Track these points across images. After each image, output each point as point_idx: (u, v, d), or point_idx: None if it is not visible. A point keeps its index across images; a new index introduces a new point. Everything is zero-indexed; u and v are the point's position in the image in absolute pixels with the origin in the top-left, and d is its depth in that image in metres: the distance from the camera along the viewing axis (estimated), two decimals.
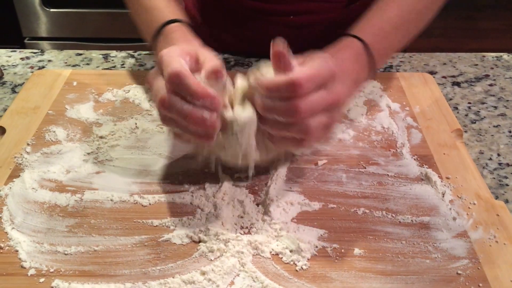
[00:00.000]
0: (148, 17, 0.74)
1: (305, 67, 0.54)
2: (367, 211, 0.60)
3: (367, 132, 0.72)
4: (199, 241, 0.56)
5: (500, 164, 0.70)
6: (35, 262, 0.53)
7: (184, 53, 0.57)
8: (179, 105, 0.53)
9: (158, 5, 0.73)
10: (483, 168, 0.69)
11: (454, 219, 0.58)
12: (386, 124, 0.73)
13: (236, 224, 0.57)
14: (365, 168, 0.65)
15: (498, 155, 0.71)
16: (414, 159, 0.67)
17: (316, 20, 0.86)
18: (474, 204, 0.60)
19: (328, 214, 0.59)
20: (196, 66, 0.57)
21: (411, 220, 0.58)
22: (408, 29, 0.72)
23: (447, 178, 0.64)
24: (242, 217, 0.58)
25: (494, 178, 0.67)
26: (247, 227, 0.57)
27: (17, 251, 0.54)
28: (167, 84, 0.54)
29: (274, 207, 0.59)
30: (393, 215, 0.59)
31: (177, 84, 0.53)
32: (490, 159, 0.71)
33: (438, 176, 0.64)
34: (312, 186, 0.63)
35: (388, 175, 0.65)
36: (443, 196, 0.61)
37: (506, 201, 0.63)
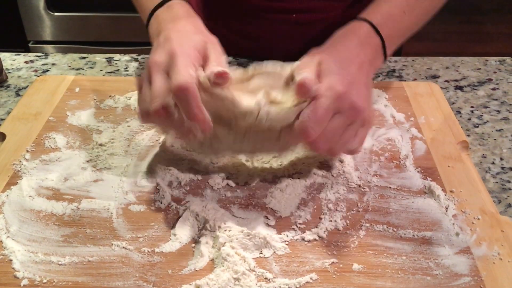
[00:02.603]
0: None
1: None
2: (367, 224, 0.58)
3: (370, 142, 0.70)
4: (197, 253, 0.55)
5: (503, 168, 0.69)
6: (29, 272, 0.52)
7: (195, 49, 0.57)
8: (175, 116, 0.54)
9: None
10: (486, 172, 0.68)
11: (457, 234, 0.57)
12: (390, 135, 0.71)
13: (241, 241, 0.55)
14: (367, 180, 0.64)
15: (501, 159, 0.71)
16: (418, 171, 0.65)
17: (319, 18, 0.85)
18: (478, 219, 0.59)
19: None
20: (204, 62, 0.58)
21: (413, 235, 0.57)
22: (417, 14, 0.72)
23: (451, 191, 0.62)
24: (249, 235, 0.56)
25: (497, 182, 0.67)
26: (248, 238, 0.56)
27: (11, 260, 0.54)
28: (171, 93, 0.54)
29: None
30: (394, 229, 0.58)
31: (180, 98, 0.54)
32: (493, 163, 0.70)
33: (442, 190, 0.62)
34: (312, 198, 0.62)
35: (390, 187, 0.63)
36: (446, 211, 0.60)
37: (509, 205, 0.62)
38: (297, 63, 0.60)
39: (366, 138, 0.61)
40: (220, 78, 0.55)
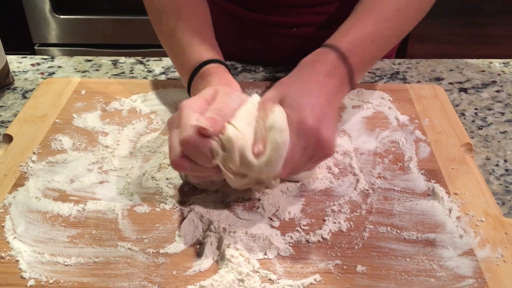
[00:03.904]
0: (183, 55, 0.71)
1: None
2: (371, 226, 0.58)
3: (374, 145, 0.70)
4: (201, 254, 0.55)
5: (506, 170, 0.69)
6: (35, 273, 0.53)
7: (203, 99, 0.58)
8: (188, 166, 0.56)
9: (193, 43, 0.71)
10: (490, 174, 0.68)
11: (461, 236, 0.57)
12: (394, 137, 0.72)
13: (245, 243, 0.56)
14: (371, 182, 0.64)
15: (505, 161, 0.71)
16: (422, 173, 0.66)
17: (319, 32, 0.85)
18: (482, 221, 0.59)
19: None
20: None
21: (417, 237, 0.57)
22: (385, 43, 0.72)
23: (455, 194, 0.62)
24: (253, 236, 0.56)
25: (500, 184, 0.67)
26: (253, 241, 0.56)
27: (17, 261, 0.54)
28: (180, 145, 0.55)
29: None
30: (398, 231, 0.58)
31: (188, 150, 0.55)
32: (497, 165, 0.70)
33: (446, 192, 0.62)
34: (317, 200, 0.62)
35: (394, 189, 0.63)
36: (450, 213, 0.60)
37: None
38: (256, 98, 0.60)
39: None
40: (201, 130, 0.54)
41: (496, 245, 0.56)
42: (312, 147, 0.57)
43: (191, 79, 0.68)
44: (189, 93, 0.70)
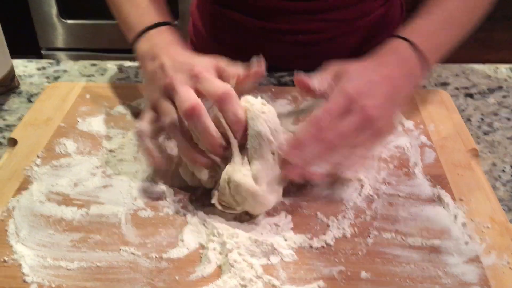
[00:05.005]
0: (131, 14, 0.74)
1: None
2: (375, 232, 0.58)
3: (379, 150, 0.70)
4: (204, 259, 0.55)
5: None
6: (38, 277, 0.53)
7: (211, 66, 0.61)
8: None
9: (141, 3, 0.73)
10: (496, 180, 0.68)
11: (466, 243, 0.56)
12: (399, 142, 0.71)
13: (248, 248, 0.56)
14: (376, 188, 0.64)
15: (511, 167, 0.70)
16: (427, 179, 0.65)
17: (325, 38, 0.85)
18: (488, 227, 0.58)
19: None
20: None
21: (421, 243, 0.57)
22: (456, 28, 0.72)
23: (461, 199, 0.62)
24: (256, 241, 0.56)
25: (507, 190, 0.66)
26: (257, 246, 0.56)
27: (20, 265, 0.54)
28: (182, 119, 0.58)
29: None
30: (403, 237, 0.57)
31: (193, 121, 0.57)
32: (503, 171, 0.70)
33: (451, 198, 0.62)
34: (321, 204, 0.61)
35: (399, 195, 0.63)
36: (455, 219, 0.59)
37: None
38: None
39: (374, 148, 0.61)
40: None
41: (502, 252, 0.55)
42: (356, 115, 0.57)
43: (143, 32, 0.70)
44: (134, 43, 0.72)
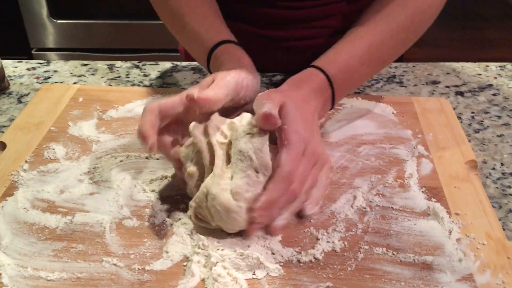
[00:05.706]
0: (195, 45, 0.75)
1: (285, 150, 0.55)
2: (366, 247, 0.56)
3: (373, 159, 0.68)
4: (188, 272, 0.53)
5: (503, 173, 0.68)
6: None
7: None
8: None
9: (200, 30, 0.74)
10: (486, 177, 0.67)
11: (460, 260, 0.54)
12: (395, 152, 0.69)
13: (233, 261, 0.54)
14: (369, 200, 0.62)
15: (502, 164, 0.70)
16: (422, 191, 0.63)
17: (317, 44, 0.84)
18: (484, 244, 0.56)
19: None
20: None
21: (413, 259, 0.54)
22: (375, 65, 0.73)
23: (456, 214, 0.60)
24: (242, 255, 0.54)
25: (497, 187, 0.65)
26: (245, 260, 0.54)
27: (0, 274, 0.53)
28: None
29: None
30: (394, 252, 0.55)
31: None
32: (494, 168, 0.69)
33: (447, 212, 0.60)
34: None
35: (392, 208, 0.61)
36: (450, 234, 0.57)
37: (509, 211, 0.62)
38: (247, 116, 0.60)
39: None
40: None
41: (497, 270, 0.53)
42: (308, 156, 0.57)
43: (208, 61, 0.71)
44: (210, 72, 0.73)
